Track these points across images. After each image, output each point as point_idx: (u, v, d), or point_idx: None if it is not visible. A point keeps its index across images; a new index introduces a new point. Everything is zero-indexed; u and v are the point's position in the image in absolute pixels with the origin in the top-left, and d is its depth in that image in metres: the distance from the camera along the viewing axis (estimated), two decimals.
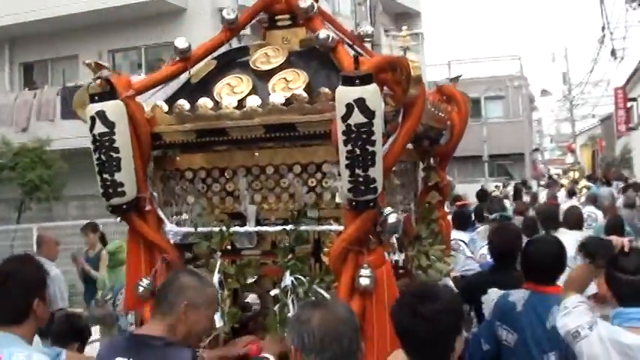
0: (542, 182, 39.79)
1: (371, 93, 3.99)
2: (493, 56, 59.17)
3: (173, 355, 3.88)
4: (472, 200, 19.14)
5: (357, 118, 3.98)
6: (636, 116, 35.95)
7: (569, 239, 10.38)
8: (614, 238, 4.57)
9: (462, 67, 53.53)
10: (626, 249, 4.45)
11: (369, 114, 3.98)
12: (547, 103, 71.22)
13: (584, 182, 29.40)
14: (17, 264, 4.22)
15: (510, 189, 31.38)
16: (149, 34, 28.31)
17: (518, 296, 5.33)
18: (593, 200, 17.62)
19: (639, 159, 37.62)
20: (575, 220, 11.33)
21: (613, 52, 31.67)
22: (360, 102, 3.97)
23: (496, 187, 32.40)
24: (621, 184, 30.97)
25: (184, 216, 5.01)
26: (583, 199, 21.52)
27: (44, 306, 4.13)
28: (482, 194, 19.54)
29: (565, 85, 65.31)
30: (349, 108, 3.98)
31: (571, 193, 24.09)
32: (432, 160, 5.84)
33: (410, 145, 5.43)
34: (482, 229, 10.87)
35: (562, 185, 30.40)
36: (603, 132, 61.94)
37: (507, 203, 21.44)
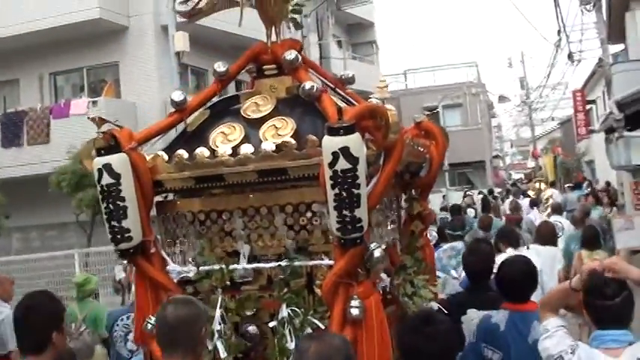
0: (500, 190, 39.68)
1: (354, 141, 4.39)
2: (449, 64, 58.32)
3: None
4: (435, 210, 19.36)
5: (343, 164, 4.38)
6: (596, 119, 36.11)
7: (545, 255, 10.75)
8: (588, 265, 4.88)
9: (418, 77, 53.82)
10: (606, 273, 4.63)
11: (353, 160, 4.38)
12: (505, 108, 71.29)
13: (548, 192, 29.71)
14: (37, 299, 4.59)
15: (476, 198, 31.32)
16: (91, 55, 27.80)
17: (500, 317, 5.70)
18: (558, 209, 17.99)
19: (600, 161, 37.74)
20: (549, 236, 11.56)
21: (570, 56, 31.36)
22: (345, 150, 4.37)
23: (465, 196, 32.22)
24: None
25: (188, 256, 5.38)
26: (549, 209, 21.97)
27: (62, 337, 4.51)
28: (456, 209, 19.86)
29: (523, 89, 65.71)
30: (335, 156, 4.38)
31: (534, 204, 24.38)
32: (413, 192, 6.21)
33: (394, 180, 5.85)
34: (448, 247, 11.08)
35: (527, 195, 30.64)
36: (563, 135, 62.18)
37: (472, 212, 21.74)
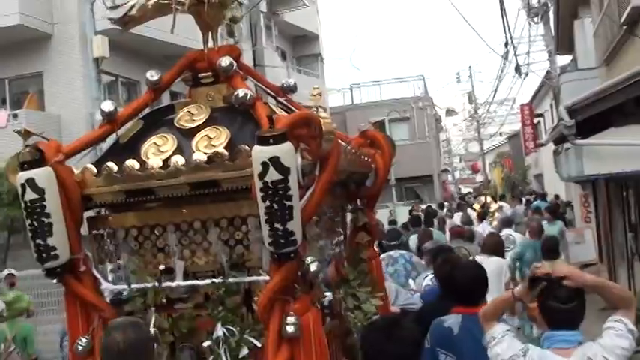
0: (452, 204, 39.61)
1: (285, 151, 4.19)
2: (397, 78, 57.97)
3: None
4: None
5: (273, 175, 4.18)
6: (544, 132, 36.25)
7: (491, 266, 10.87)
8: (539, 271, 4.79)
9: (365, 91, 53.21)
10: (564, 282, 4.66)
11: (284, 171, 4.18)
12: (454, 122, 71.35)
13: (495, 206, 29.77)
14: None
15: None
16: (13, 64, 26.12)
17: (453, 321, 5.65)
18: (507, 223, 18.05)
19: (549, 175, 37.89)
20: (494, 247, 11.66)
21: (517, 68, 31.32)
22: (275, 160, 4.16)
23: (412, 211, 32.01)
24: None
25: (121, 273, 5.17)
26: (495, 222, 21.96)
27: None
28: (417, 219, 19.93)
29: (471, 104, 65.59)
30: (265, 166, 4.17)
31: (482, 217, 24.46)
32: (359, 202, 6.03)
33: (336, 190, 5.67)
34: (386, 255, 11.02)
35: (474, 209, 30.70)
36: (511, 149, 62.29)
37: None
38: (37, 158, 4.71)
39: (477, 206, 32.47)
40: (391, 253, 11.15)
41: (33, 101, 25.30)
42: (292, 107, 5.57)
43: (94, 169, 4.93)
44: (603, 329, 4.69)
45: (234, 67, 5.16)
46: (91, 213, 5.24)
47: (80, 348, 4.84)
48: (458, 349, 5.57)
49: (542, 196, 35.11)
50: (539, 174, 49.29)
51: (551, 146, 20.52)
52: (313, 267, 4.50)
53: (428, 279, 8.86)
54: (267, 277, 4.61)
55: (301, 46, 46.78)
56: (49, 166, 4.71)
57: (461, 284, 5.84)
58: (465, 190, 66.81)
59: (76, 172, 4.95)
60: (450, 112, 56.30)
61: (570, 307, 4.65)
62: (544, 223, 18.65)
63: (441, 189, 53.68)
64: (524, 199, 37.36)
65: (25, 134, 4.87)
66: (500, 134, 66.96)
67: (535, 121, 40.57)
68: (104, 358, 4.35)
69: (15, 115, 24.22)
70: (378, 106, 48.74)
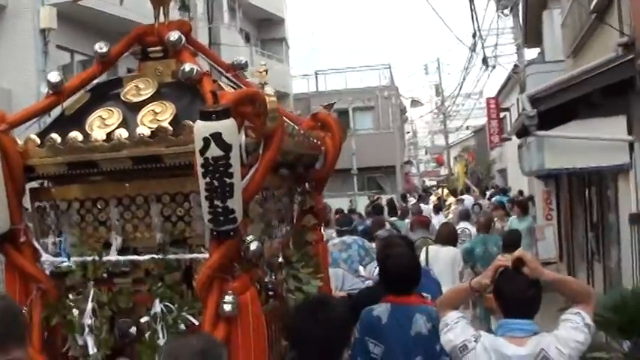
0: (414, 196, 39.47)
1: (227, 127, 4.17)
2: (363, 65, 56.77)
3: None
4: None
5: (214, 151, 4.16)
6: (509, 127, 36.36)
7: (444, 255, 10.99)
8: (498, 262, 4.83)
9: (330, 78, 52.22)
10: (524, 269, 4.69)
11: (226, 147, 4.16)
12: (420, 114, 71.18)
13: (451, 199, 29.81)
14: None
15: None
16: None
17: (382, 310, 5.63)
18: (465, 216, 17.92)
19: (512, 169, 37.81)
20: (447, 236, 11.77)
21: (484, 61, 31.47)
22: (217, 136, 4.14)
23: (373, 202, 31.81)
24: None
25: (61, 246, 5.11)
26: (451, 215, 21.96)
27: None
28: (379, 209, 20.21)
29: (438, 96, 66.05)
30: (206, 142, 4.15)
31: (438, 209, 24.46)
32: (307, 185, 6.01)
33: (285, 171, 5.65)
34: (339, 241, 11.16)
35: (432, 201, 30.82)
36: (477, 143, 62.49)
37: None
38: None
39: (433, 198, 32.54)
40: (344, 238, 11.20)
41: None
42: (242, 85, 5.52)
43: (38, 140, 4.86)
44: (560, 321, 4.71)
45: (183, 41, 5.11)
46: (33, 184, 5.17)
47: None
48: (386, 338, 5.56)
49: (504, 191, 35.41)
50: (503, 169, 49.19)
51: (516, 141, 20.43)
52: (253, 246, 4.49)
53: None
54: (207, 255, 4.58)
55: (266, 30, 46.09)
56: None
57: (392, 273, 5.82)
58: (429, 183, 66.83)
59: (20, 142, 4.89)
60: (415, 102, 55.90)
61: (527, 295, 4.67)
62: (513, 218, 18.68)
63: (403, 180, 52.82)
64: (487, 193, 37.62)
65: None
66: (467, 128, 67.15)
67: (501, 115, 40.53)
68: None
69: None
70: (343, 94, 46.50)
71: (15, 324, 3.96)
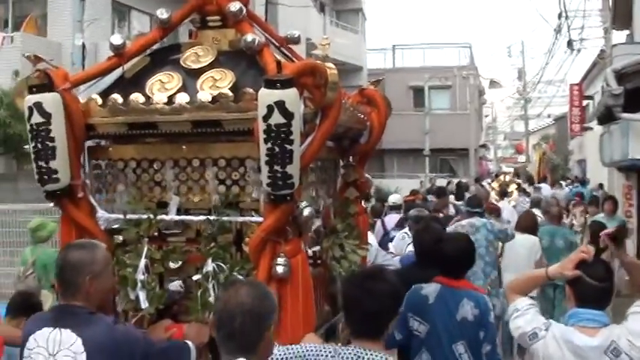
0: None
1: (290, 96, 4.34)
2: (442, 43, 56.49)
3: (95, 321, 4.16)
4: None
5: (277, 118, 4.33)
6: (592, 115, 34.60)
7: (523, 243, 10.90)
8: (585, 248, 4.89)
9: (408, 53, 51.56)
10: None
11: (288, 115, 4.33)
12: (500, 97, 69.59)
13: (513, 186, 29.22)
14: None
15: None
16: None
17: (430, 290, 5.73)
18: (537, 204, 17.30)
19: (592, 161, 36.50)
20: (526, 224, 11.67)
21: (570, 44, 30.38)
22: (280, 104, 4.32)
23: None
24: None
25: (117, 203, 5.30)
26: (513, 202, 21.61)
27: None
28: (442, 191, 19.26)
29: (520, 81, 63.85)
30: (270, 109, 4.33)
31: (503, 194, 23.77)
32: (351, 159, 6.16)
33: (331, 144, 5.81)
34: (467, 223, 11.02)
35: (493, 188, 30.33)
36: (557, 132, 60.84)
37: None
38: (45, 83, 4.82)
39: (495, 184, 31.92)
40: (473, 220, 10.98)
41: (31, 25, 24.51)
42: (295, 59, 5.68)
43: (100, 100, 5.04)
44: (628, 314, 4.72)
45: (244, 12, 5.27)
46: (90, 143, 5.35)
47: None
48: (431, 318, 5.68)
49: (582, 182, 34.02)
50: (582, 159, 47.02)
51: (597, 132, 18.96)
52: (306, 212, 4.66)
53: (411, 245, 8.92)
54: (260, 219, 4.77)
55: (342, 0, 45.43)
56: (56, 92, 4.82)
57: (448, 256, 5.92)
58: (506, 170, 65.09)
59: (82, 101, 5.06)
60: (494, 83, 54.39)
61: (603, 286, 4.68)
62: (601, 216, 16.63)
63: (476, 164, 51.19)
64: (564, 183, 36.07)
65: (35, 60, 4.98)
66: (549, 115, 65.96)
67: (584, 103, 38.82)
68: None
69: (11, 39, 23.58)
70: (419, 71, 46.84)
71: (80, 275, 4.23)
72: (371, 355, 4.11)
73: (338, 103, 4.73)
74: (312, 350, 4.21)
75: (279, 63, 4.52)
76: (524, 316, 4.81)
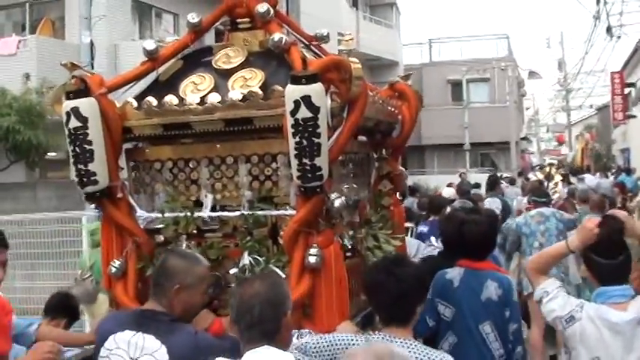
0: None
1: (316, 91, 4.48)
2: (478, 35, 54.81)
3: (179, 329, 4.20)
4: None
5: (304, 113, 4.48)
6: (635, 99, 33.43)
7: None
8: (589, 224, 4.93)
9: (444, 47, 50.73)
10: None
11: (314, 109, 4.47)
12: (541, 89, 68.65)
13: (558, 178, 28.83)
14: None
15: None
16: None
17: (454, 274, 5.81)
18: (572, 195, 17.41)
19: (636, 149, 35.74)
20: (599, 204, 12.10)
21: (609, 30, 29.70)
22: (306, 99, 4.46)
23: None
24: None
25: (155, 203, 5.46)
26: (557, 195, 21.44)
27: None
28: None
29: (561, 72, 63.47)
30: (296, 104, 4.48)
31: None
32: (384, 152, 6.27)
33: (364, 138, 5.93)
34: (536, 213, 11.10)
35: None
36: (600, 121, 60.17)
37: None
38: (82, 89, 5.01)
39: (541, 175, 31.35)
40: (543, 210, 11.06)
41: (46, 27, 24.33)
42: (324, 57, 5.80)
43: (135, 103, 5.22)
44: None
45: (272, 13, 5.41)
46: (128, 146, 5.54)
47: (114, 270, 5.15)
48: (457, 301, 5.74)
49: (627, 171, 33.16)
50: (625, 148, 46.87)
51: None
52: (337, 203, 4.79)
53: None
54: (293, 212, 4.91)
55: None
56: (92, 97, 5.00)
57: (470, 238, 5.95)
58: (549, 162, 64.07)
59: (118, 105, 5.24)
60: (532, 74, 53.36)
61: (619, 261, 4.78)
62: None
63: (518, 157, 49.80)
64: (609, 174, 35.30)
65: (72, 67, 5.16)
66: (591, 106, 65.26)
67: (626, 90, 38.57)
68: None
69: (26, 42, 23.41)
70: (457, 65, 46.42)
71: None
72: (401, 342, 4.22)
73: (364, 97, 4.85)
74: (343, 340, 4.32)
75: (304, 59, 4.66)
76: (556, 300, 4.87)
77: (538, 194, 11.94)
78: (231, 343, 4.17)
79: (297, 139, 4.53)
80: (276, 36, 5.06)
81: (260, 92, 4.92)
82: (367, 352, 3.02)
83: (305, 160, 4.56)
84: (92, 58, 16.73)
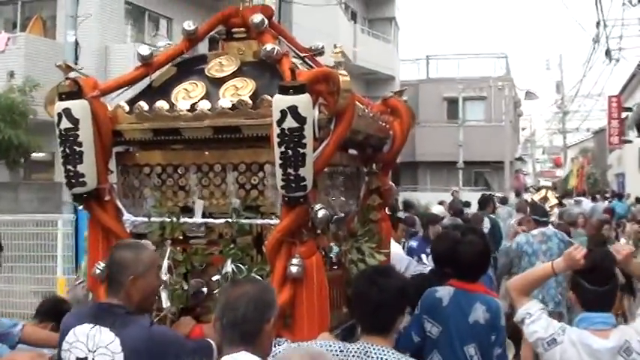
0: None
1: (303, 102, 4.53)
2: (476, 53, 55.06)
3: (133, 321, 4.37)
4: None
5: (290, 123, 4.52)
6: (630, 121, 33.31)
7: None
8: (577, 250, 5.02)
9: (442, 64, 50.76)
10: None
11: (301, 120, 4.52)
12: (537, 110, 69.01)
13: (554, 201, 28.76)
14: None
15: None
16: None
17: (444, 292, 5.83)
18: (561, 217, 17.30)
19: (631, 174, 35.73)
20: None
21: (607, 53, 30.18)
22: (293, 109, 4.51)
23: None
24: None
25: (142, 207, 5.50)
26: (553, 217, 21.41)
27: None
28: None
29: (559, 94, 63.44)
30: (283, 114, 4.52)
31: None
32: (374, 166, 6.30)
33: (354, 152, 5.97)
34: (538, 232, 11.24)
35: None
36: (595, 145, 60.58)
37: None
38: (74, 90, 5.05)
39: (536, 197, 31.28)
40: (544, 230, 11.22)
41: (37, 26, 24.18)
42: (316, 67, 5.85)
43: (127, 107, 5.26)
44: (637, 315, 5.00)
45: (266, 24, 5.45)
46: (119, 149, 5.58)
47: (97, 272, 5.17)
48: (445, 320, 5.76)
49: (619, 196, 33.47)
50: (620, 173, 47.02)
51: (637, 144, 18.85)
52: (321, 214, 4.81)
53: None
54: (277, 221, 4.94)
55: (375, 8, 45.12)
56: (85, 99, 5.04)
57: (463, 259, 5.99)
58: (544, 183, 64.14)
59: (110, 109, 5.29)
60: (529, 94, 52.34)
61: (606, 289, 4.88)
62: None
63: (512, 177, 49.69)
64: (598, 197, 35.02)
65: (66, 69, 5.21)
66: (588, 129, 65.57)
67: (623, 115, 38.57)
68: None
69: (15, 40, 23.23)
70: (454, 82, 46.33)
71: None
72: (378, 349, 4.26)
73: (351, 109, 4.89)
74: (320, 347, 4.34)
75: (293, 70, 4.71)
76: (539, 322, 4.95)
77: (539, 213, 11.96)
78: (198, 345, 4.26)
79: (283, 148, 4.56)
80: (269, 46, 5.11)
81: (249, 101, 4.96)
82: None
83: (289, 170, 4.59)
84: (76, 58, 16.30)
